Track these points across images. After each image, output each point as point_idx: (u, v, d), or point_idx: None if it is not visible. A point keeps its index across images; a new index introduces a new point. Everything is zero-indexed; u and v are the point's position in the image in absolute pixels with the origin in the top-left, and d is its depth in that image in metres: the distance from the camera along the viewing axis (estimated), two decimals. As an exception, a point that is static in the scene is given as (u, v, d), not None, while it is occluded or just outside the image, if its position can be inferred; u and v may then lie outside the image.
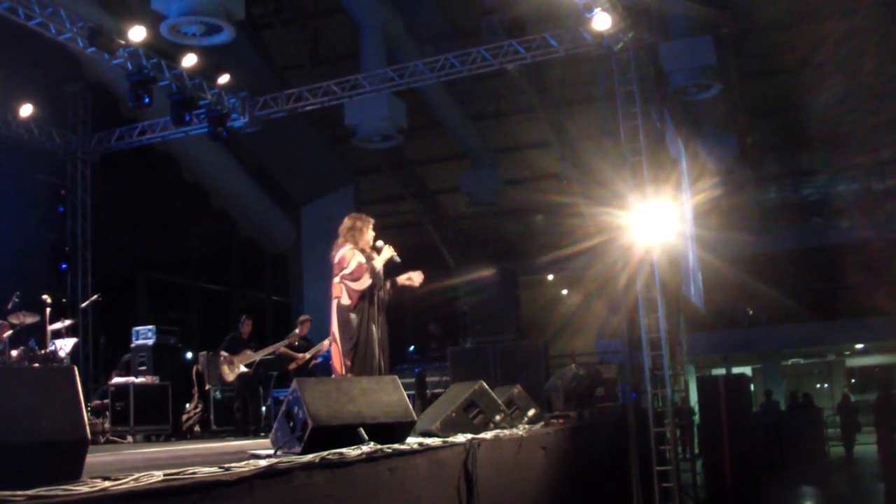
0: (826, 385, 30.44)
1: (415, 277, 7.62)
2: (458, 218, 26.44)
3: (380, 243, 7.56)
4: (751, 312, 27.43)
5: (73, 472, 3.64)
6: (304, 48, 20.79)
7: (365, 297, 7.29)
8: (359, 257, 7.33)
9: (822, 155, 24.42)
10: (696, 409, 14.79)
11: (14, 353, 10.71)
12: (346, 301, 7.28)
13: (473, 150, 22.63)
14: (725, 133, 21.19)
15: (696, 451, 14.73)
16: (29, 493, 3.06)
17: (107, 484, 3.38)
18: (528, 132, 23.17)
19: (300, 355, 12.41)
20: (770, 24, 19.59)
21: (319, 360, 12.35)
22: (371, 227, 7.55)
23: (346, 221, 7.55)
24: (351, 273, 7.28)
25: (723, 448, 12.04)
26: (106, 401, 12.39)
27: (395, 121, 17.60)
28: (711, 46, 16.46)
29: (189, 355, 16.62)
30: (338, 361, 7.27)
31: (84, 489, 3.25)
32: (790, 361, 29.77)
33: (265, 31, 20.68)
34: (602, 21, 11.68)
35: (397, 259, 7.54)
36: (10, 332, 10.86)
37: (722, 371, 26.19)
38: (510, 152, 23.85)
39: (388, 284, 7.59)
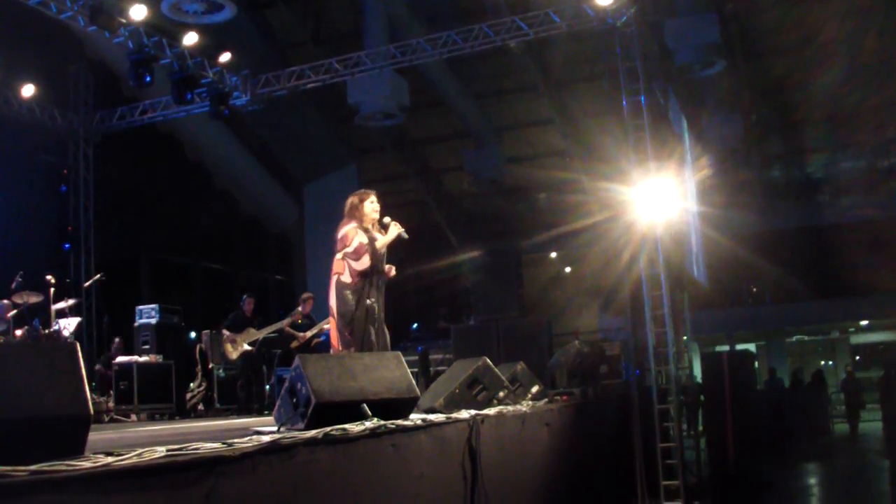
0: (831, 362, 30.47)
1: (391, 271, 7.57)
2: (460, 196, 26.39)
3: (387, 220, 7.42)
4: (754, 290, 27.42)
5: (76, 448, 3.64)
6: (306, 26, 20.68)
7: (365, 276, 7.24)
8: (360, 237, 7.23)
9: (827, 133, 24.33)
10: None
11: (18, 332, 10.74)
12: (346, 279, 7.24)
13: (476, 128, 22.55)
14: (729, 111, 21.09)
15: (700, 428, 14.76)
16: (32, 468, 3.05)
17: (109, 459, 3.37)
18: (530, 110, 23.08)
19: (301, 334, 12.42)
20: (774, 1, 19.46)
21: (322, 338, 12.35)
22: (371, 200, 7.40)
23: (347, 201, 7.49)
24: (353, 251, 7.23)
25: (726, 425, 12.05)
26: (105, 370, 12.47)
27: (398, 99, 17.53)
28: (716, 23, 16.37)
29: (193, 335, 16.66)
30: (335, 337, 7.27)
31: (87, 464, 3.24)
32: (794, 339, 29.79)
33: (267, 10, 20.57)
34: (605, -4, 11.60)
35: (405, 236, 7.39)
36: (14, 312, 10.89)
37: (726, 348, 26.20)
38: (513, 130, 23.77)
39: (388, 269, 7.46)
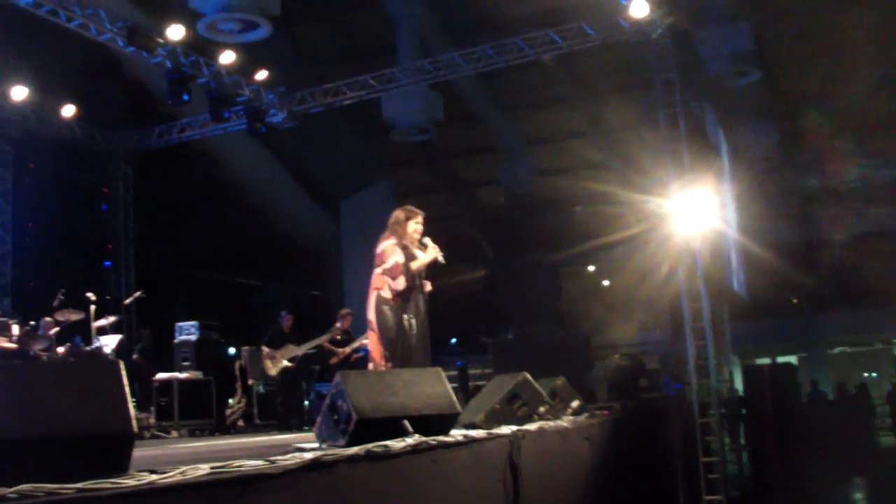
0: (874, 374, 29.97)
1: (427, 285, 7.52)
2: (495, 209, 26.30)
3: (426, 240, 7.38)
4: (794, 301, 27.07)
5: (120, 465, 3.65)
6: (336, 41, 20.75)
7: (400, 295, 7.21)
8: (397, 256, 7.18)
9: (864, 141, 24.00)
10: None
11: (61, 349, 10.85)
12: (386, 294, 7.21)
13: (508, 141, 22.50)
14: (764, 120, 20.89)
15: (742, 441, 14.56)
16: (77, 486, 3.06)
17: (154, 477, 3.38)
18: (563, 121, 22.97)
19: (340, 350, 12.42)
20: (804, 10, 19.26)
21: (362, 353, 12.33)
22: (416, 220, 7.37)
23: (394, 213, 7.45)
24: (390, 269, 7.20)
25: (769, 438, 11.89)
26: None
27: (432, 114, 17.56)
28: (750, 32, 16.24)
29: (232, 350, 16.75)
30: (376, 351, 7.23)
31: (131, 482, 3.25)
32: (836, 350, 29.34)
33: (296, 27, 20.67)
34: (639, 8, 11.55)
35: (441, 260, 7.30)
36: (56, 330, 11.00)
37: (767, 361, 25.86)
38: (546, 143, 23.67)
39: (424, 284, 7.41)
